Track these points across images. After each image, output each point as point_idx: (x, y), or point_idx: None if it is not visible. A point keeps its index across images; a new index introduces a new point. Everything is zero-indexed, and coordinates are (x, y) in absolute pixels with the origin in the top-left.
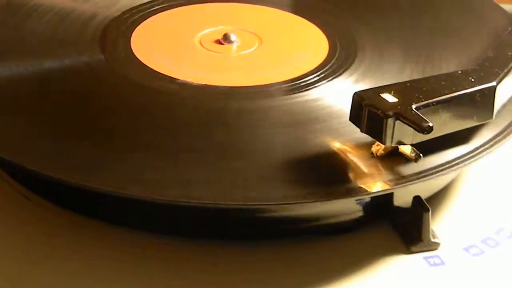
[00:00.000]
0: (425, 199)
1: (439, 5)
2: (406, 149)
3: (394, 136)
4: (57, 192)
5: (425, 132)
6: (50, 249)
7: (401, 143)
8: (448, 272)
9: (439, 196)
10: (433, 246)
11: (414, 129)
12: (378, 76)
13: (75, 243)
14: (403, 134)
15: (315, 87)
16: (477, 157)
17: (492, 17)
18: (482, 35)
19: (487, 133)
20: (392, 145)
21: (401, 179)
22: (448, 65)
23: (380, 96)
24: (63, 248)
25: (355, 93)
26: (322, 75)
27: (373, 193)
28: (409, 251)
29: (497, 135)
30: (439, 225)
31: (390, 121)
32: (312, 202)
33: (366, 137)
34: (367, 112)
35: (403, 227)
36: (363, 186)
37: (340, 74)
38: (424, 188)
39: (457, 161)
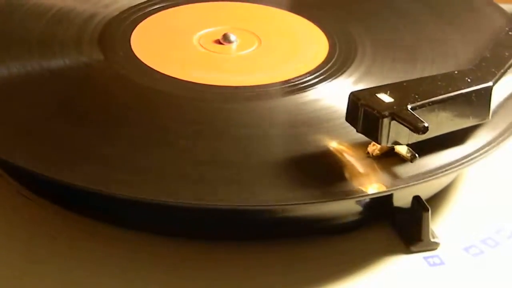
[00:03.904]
0: (424, 199)
1: (438, 5)
2: (402, 149)
3: (390, 136)
4: (58, 192)
5: (421, 133)
6: (51, 249)
7: (397, 143)
8: (448, 272)
9: (438, 196)
10: (433, 246)
11: (410, 129)
12: (377, 76)
13: (76, 243)
14: (399, 134)
15: (314, 87)
16: (477, 159)
17: (491, 17)
18: (481, 35)
19: (487, 134)
20: (388, 145)
21: (399, 181)
22: (446, 65)
23: (376, 96)
24: (64, 248)
25: (351, 93)
26: (321, 75)
27: (369, 195)
28: (408, 251)
29: (496, 137)
30: (439, 225)
31: (385, 121)
32: (307, 203)
33: (363, 137)
34: (363, 112)
35: (403, 227)
36: (359, 187)
37: (339, 75)
38: (424, 188)
39: (456, 163)
